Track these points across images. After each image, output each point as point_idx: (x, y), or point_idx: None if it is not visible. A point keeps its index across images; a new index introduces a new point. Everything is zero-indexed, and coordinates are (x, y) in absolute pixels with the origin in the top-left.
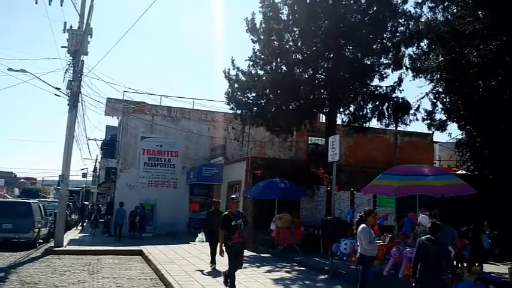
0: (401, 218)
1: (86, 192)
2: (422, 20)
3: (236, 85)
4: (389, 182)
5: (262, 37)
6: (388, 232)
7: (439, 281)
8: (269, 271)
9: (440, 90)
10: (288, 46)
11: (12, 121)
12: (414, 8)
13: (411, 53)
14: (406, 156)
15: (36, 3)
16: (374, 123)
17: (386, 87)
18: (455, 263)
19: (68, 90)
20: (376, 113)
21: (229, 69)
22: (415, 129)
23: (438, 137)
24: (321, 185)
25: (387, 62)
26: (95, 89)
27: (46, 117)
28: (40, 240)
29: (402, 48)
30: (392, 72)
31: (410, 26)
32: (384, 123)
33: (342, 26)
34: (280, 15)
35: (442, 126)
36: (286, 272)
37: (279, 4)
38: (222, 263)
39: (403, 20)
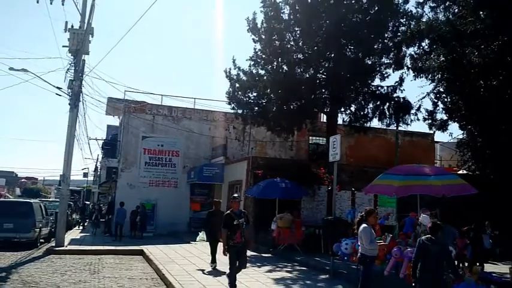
0: (402, 217)
1: (87, 192)
2: (424, 19)
3: (237, 85)
4: (390, 181)
5: (263, 37)
6: (389, 232)
7: (439, 281)
8: (270, 271)
9: (441, 90)
10: (289, 46)
11: (12, 121)
12: (415, 7)
13: (412, 52)
14: (407, 156)
15: (37, 2)
16: (375, 123)
17: (388, 87)
18: (456, 262)
19: (69, 90)
20: (377, 112)
21: (230, 69)
22: (416, 129)
23: (439, 136)
24: (321, 184)
25: (388, 61)
26: (96, 89)
27: (46, 117)
28: (41, 240)
29: (403, 48)
30: (393, 72)
31: (412, 26)
32: (385, 123)
33: (343, 26)
34: (281, 14)
35: (443, 126)
36: (287, 271)
37: (280, 4)
38: (223, 262)
39: (404, 19)
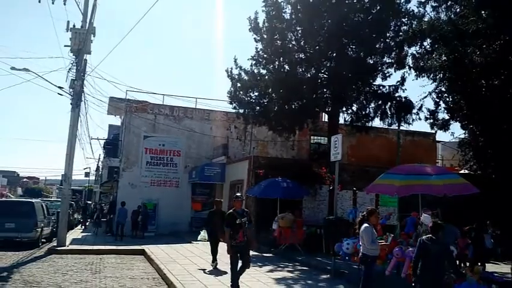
0: (403, 217)
1: (88, 192)
2: (426, 19)
3: (239, 84)
4: (391, 181)
5: (265, 36)
6: (391, 232)
7: (439, 281)
8: (271, 271)
9: (443, 89)
10: (290, 45)
11: (12, 120)
12: (417, 7)
13: (414, 52)
14: (408, 156)
15: (39, 1)
16: (377, 123)
17: (389, 86)
18: (457, 262)
19: (71, 89)
20: (379, 112)
21: (231, 69)
22: (417, 129)
23: (441, 136)
24: (323, 184)
25: (390, 61)
26: (97, 88)
27: (46, 116)
28: (43, 240)
29: (405, 48)
30: (395, 71)
31: (414, 25)
32: (386, 123)
33: (345, 25)
34: (283, 14)
35: (444, 126)
36: (289, 271)
37: (282, 3)
38: (224, 262)
39: (406, 19)
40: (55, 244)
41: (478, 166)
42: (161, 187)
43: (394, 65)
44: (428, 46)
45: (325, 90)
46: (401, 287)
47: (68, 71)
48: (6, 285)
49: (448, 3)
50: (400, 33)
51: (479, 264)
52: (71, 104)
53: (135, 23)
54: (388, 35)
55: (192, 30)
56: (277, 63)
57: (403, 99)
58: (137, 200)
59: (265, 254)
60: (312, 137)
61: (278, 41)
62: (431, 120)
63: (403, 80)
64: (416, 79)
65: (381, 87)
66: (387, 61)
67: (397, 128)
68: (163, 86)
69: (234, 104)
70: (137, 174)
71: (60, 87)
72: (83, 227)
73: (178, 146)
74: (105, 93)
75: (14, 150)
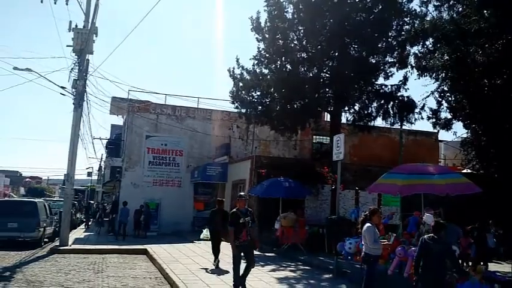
0: (406, 217)
1: (91, 191)
2: (428, 18)
3: (241, 84)
4: (394, 180)
5: (267, 36)
6: (393, 231)
7: (441, 280)
8: (273, 270)
9: (445, 89)
10: (292, 45)
11: (13, 120)
12: (419, 6)
13: (416, 51)
14: (411, 155)
15: (41, 1)
16: (379, 122)
17: (392, 85)
18: (460, 262)
19: (73, 89)
20: (381, 111)
21: (233, 68)
22: (420, 128)
23: (443, 135)
24: (325, 184)
25: (392, 60)
26: (100, 88)
27: (46, 116)
28: (45, 239)
29: (407, 47)
30: (397, 70)
31: (416, 25)
32: (389, 122)
33: (347, 25)
34: (285, 13)
35: (447, 125)
36: (291, 271)
37: (284, 3)
38: (226, 261)
39: (408, 18)
40: (57, 244)
41: (480, 165)
42: (163, 187)
43: (396, 65)
44: (430, 45)
45: (327, 89)
46: (403, 287)
47: (70, 71)
48: (9, 285)
49: (450, 3)
50: (402, 33)
51: (481, 263)
52: (73, 103)
53: (137, 23)
54: (390, 34)
55: (192, 30)
56: (279, 62)
57: (406, 99)
58: (139, 200)
59: (267, 254)
60: (314, 137)
61: (280, 41)
62: (434, 120)
63: (405, 79)
64: (419, 78)
65: (383, 87)
66: (389, 60)
67: (399, 127)
68: (165, 86)
69: (236, 104)
70: (139, 174)
71: (62, 87)
72: (86, 226)
73: (180, 145)
74: (108, 93)
75: (14, 150)
